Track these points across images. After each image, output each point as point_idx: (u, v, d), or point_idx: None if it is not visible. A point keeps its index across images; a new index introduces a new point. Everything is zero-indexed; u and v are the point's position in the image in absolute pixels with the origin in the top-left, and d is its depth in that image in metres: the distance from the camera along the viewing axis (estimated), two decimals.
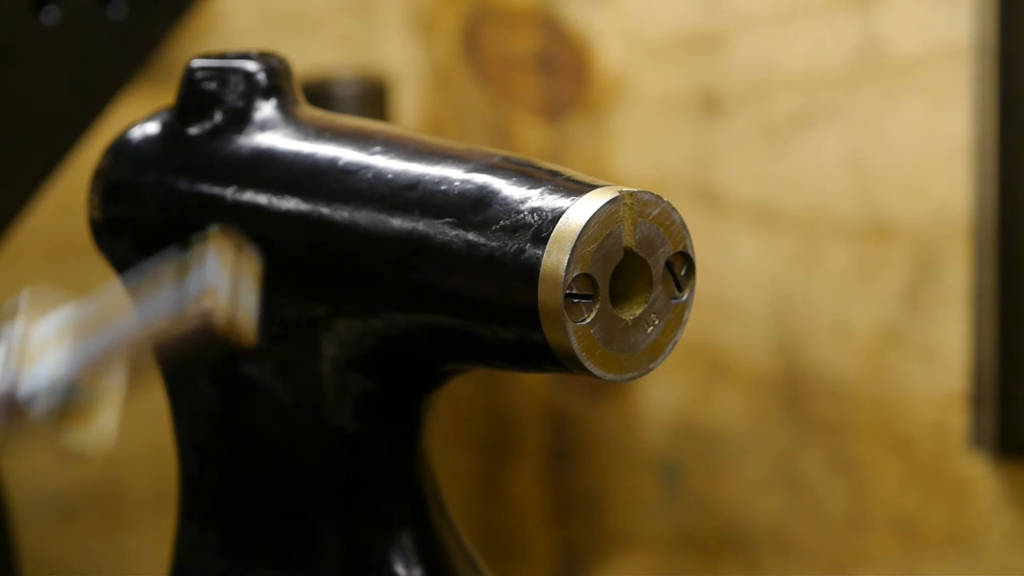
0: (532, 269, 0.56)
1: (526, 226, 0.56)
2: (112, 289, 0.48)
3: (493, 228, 0.57)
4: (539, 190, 0.57)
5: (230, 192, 0.65)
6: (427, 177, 0.60)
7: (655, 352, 0.58)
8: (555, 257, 0.55)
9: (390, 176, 0.61)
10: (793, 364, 1.07)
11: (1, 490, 0.91)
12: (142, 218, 0.68)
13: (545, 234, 0.56)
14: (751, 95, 1.07)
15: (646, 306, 0.57)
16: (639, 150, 1.11)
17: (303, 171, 0.64)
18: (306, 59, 1.04)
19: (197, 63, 0.68)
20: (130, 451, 1.17)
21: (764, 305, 1.07)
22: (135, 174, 0.69)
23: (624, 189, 0.56)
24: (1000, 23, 0.99)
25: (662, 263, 0.57)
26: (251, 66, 0.67)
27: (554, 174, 0.58)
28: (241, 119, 0.67)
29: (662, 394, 1.12)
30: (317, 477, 0.66)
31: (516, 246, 0.56)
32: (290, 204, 0.63)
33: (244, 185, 0.65)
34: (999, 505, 1.02)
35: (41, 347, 0.47)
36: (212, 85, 0.67)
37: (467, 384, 1.17)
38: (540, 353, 0.57)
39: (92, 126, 0.86)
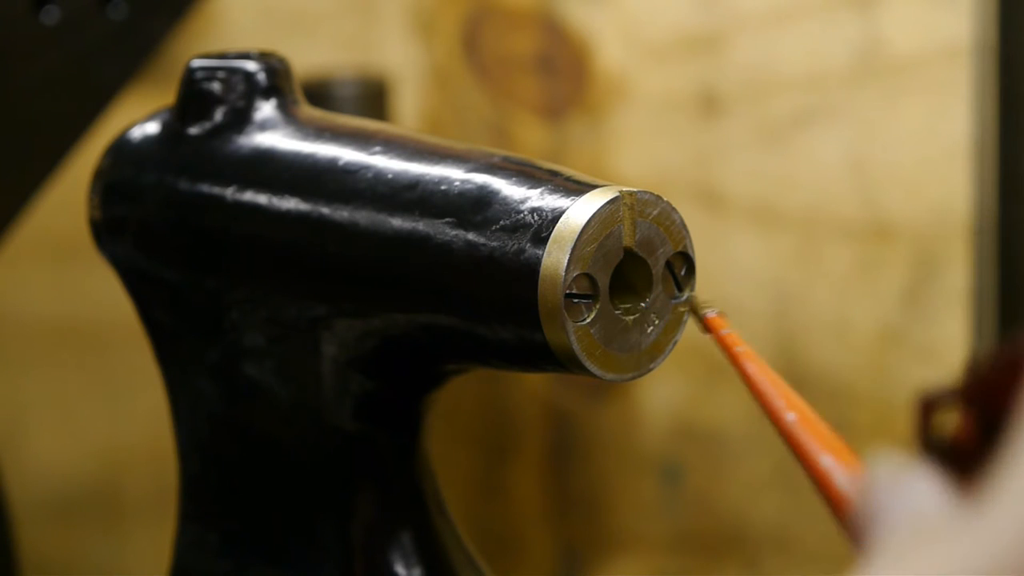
0: (532, 269, 0.56)
1: (526, 226, 0.56)
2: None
3: (493, 228, 0.57)
4: (539, 190, 0.57)
5: (230, 192, 0.65)
6: (427, 177, 0.60)
7: (655, 352, 0.58)
8: (555, 257, 0.55)
9: (390, 176, 0.61)
10: (793, 364, 1.07)
11: (1, 490, 0.91)
12: (142, 218, 0.68)
13: (545, 234, 0.56)
14: (751, 95, 1.06)
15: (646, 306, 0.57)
16: (639, 150, 1.11)
17: (303, 171, 0.64)
18: (306, 59, 1.04)
19: (197, 63, 0.68)
20: (130, 451, 1.17)
21: (764, 305, 1.07)
22: (135, 174, 0.69)
23: (624, 189, 0.56)
24: (1000, 23, 0.99)
25: (662, 263, 0.57)
26: (251, 66, 0.67)
27: (554, 174, 0.58)
28: (241, 119, 0.67)
29: (662, 394, 1.12)
30: (317, 477, 0.66)
31: (516, 246, 0.56)
32: (290, 204, 0.63)
33: (244, 185, 0.65)
34: None
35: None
36: (212, 85, 0.67)
37: (467, 384, 1.17)
38: (540, 353, 0.57)
39: (92, 126, 0.85)
